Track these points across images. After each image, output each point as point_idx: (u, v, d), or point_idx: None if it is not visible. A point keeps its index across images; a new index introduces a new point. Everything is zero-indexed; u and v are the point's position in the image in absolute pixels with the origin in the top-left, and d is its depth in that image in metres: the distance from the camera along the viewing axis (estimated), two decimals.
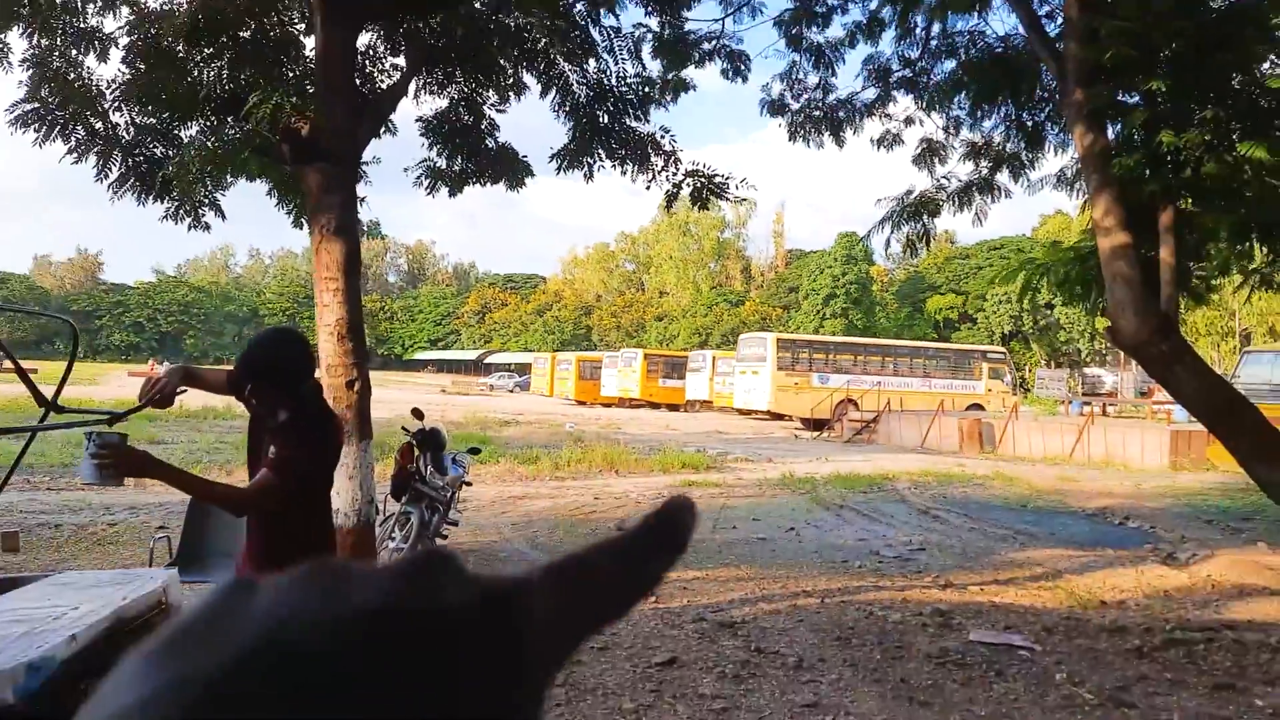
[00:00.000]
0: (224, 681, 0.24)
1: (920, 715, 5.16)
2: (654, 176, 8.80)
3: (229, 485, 3.54)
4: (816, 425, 31.31)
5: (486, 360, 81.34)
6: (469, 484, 10.86)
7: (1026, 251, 42.66)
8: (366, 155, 7.01)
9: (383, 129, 7.73)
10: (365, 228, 8.07)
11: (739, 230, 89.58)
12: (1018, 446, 23.13)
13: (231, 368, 3.41)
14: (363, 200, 7.08)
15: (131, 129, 7.63)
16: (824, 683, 5.66)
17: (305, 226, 6.81)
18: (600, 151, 8.73)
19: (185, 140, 7.75)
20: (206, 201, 8.20)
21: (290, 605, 0.26)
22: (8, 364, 3.46)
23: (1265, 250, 7.17)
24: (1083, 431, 21.83)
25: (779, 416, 33.47)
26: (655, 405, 42.26)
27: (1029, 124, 9.18)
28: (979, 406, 33.01)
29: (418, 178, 8.37)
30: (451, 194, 8.67)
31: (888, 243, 9.88)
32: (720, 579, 8.63)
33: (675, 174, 8.78)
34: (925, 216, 9.53)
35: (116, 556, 8.96)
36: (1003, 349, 41.31)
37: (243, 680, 0.24)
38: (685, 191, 8.77)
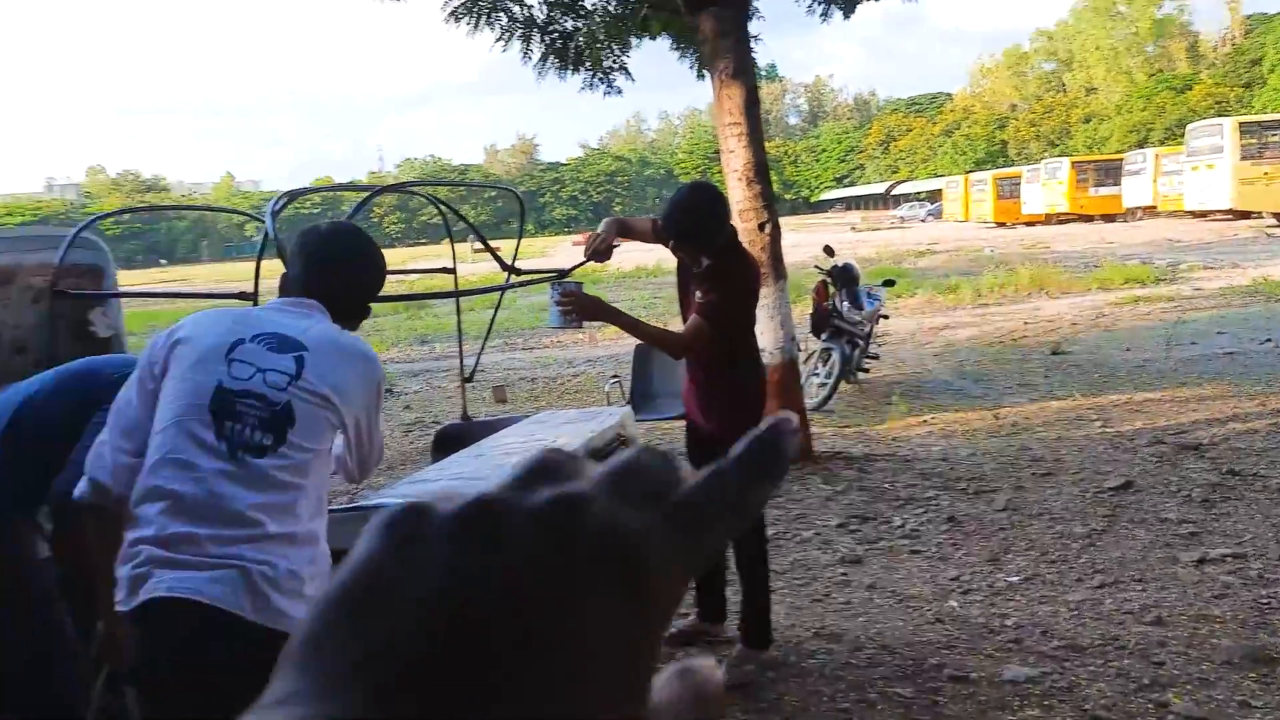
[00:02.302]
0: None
1: None
2: None
3: (666, 329, 3.83)
4: None
5: (894, 192, 78.71)
6: (886, 317, 10.76)
7: None
8: None
9: None
10: (763, 71, 8.04)
11: (1181, 3, 76.40)
12: None
13: (655, 218, 3.64)
14: (756, 38, 7.04)
15: (544, 8, 8.20)
16: None
17: (706, 77, 6.95)
18: None
19: (590, 9, 8.20)
20: (616, 67, 8.65)
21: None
22: (477, 245, 3.98)
23: None
24: None
25: (1244, 215, 28.83)
26: (1087, 218, 38.36)
27: None
28: None
29: (810, 4, 8.13)
30: (846, 15, 8.32)
31: None
32: (1178, 399, 7.81)
33: None
34: None
35: (580, 401, 10.18)
36: None
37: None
38: None
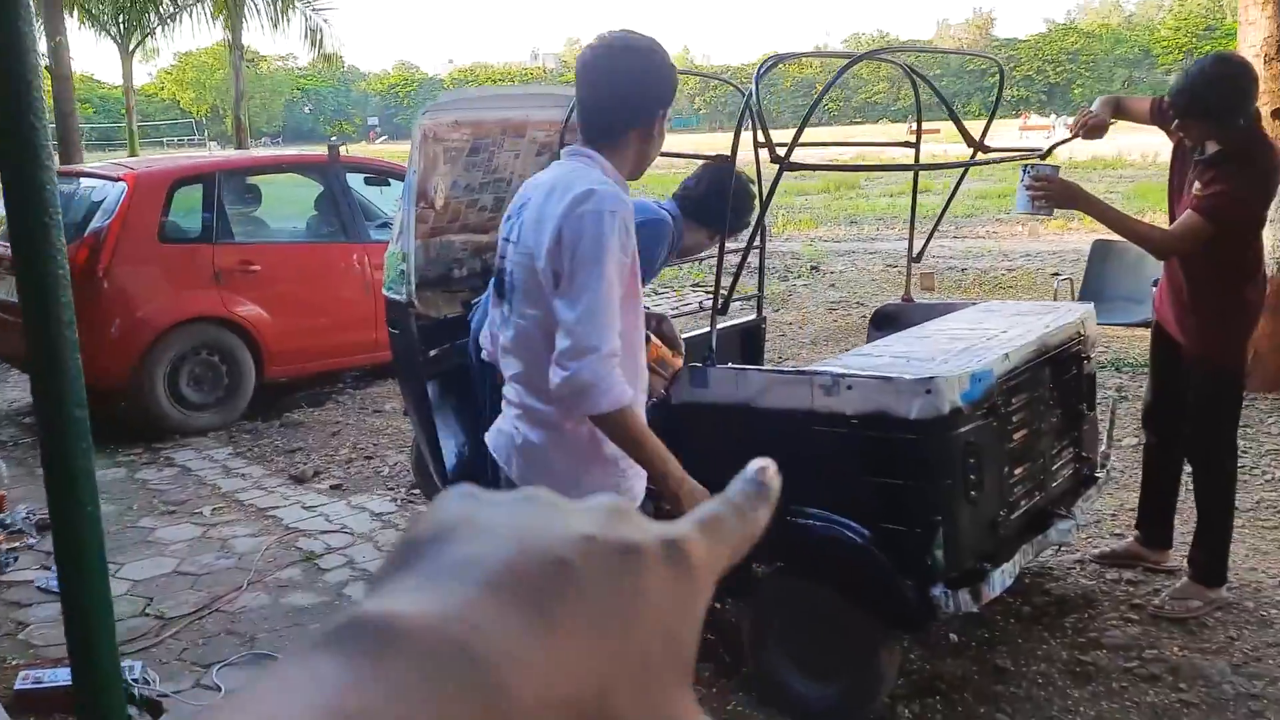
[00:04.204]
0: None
1: None
2: None
3: (1154, 226, 3.45)
4: None
5: None
6: None
7: None
8: None
9: None
10: None
11: None
12: None
13: (1158, 97, 3.23)
14: None
15: None
16: None
17: None
18: None
19: None
20: None
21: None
22: (913, 126, 3.81)
23: None
24: None
25: None
26: None
27: None
28: None
29: None
30: None
31: None
32: None
33: None
34: None
35: (1014, 299, 9.59)
36: None
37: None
38: None
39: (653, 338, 3.11)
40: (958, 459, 2.65)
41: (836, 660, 2.87)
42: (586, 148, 2.09)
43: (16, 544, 4.19)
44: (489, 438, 2.30)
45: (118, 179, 5.84)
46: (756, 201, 3.18)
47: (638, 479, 2.16)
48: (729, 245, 3.31)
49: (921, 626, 2.86)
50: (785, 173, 2.70)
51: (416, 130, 3.66)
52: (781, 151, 2.72)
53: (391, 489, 4.92)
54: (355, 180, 6.77)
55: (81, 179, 6.34)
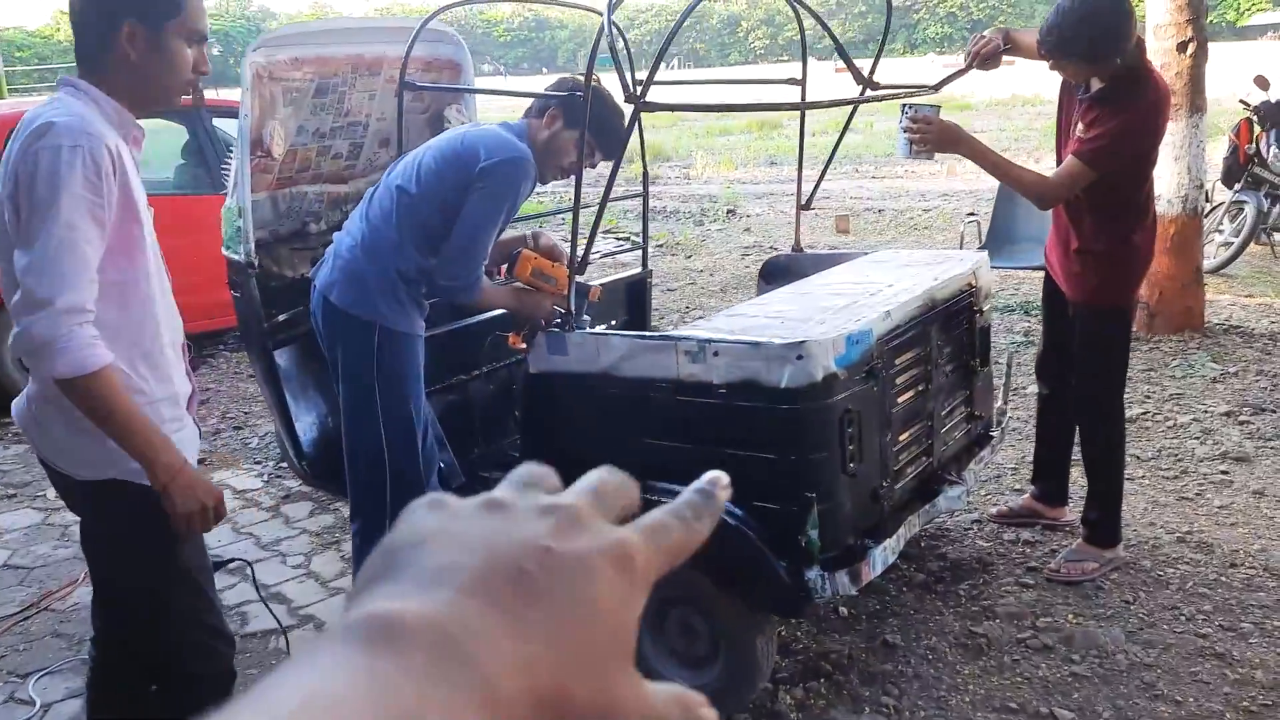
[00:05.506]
0: None
1: None
2: None
3: (1033, 172, 3.22)
4: None
5: None
6: None
7: None
8: None
9: None
10: None
11: None
12: None
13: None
14: None
15: None
16: None
17: None
18: None
19: None
20: None
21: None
22: (839, 65, 3.52)
23: None
24: None
25: None
26: None
27: None
28: None
29: None
30: None
31: None
32: None
33: None
34: None
35: (930, 240, 9.46)
36: None
37: None
38: None
39: (524, 251, 2.82)
40: (833, 430, 2.41)
41: (709, 647, 2.64)
42: (81, 78, 1.85)
43: None
44: (13, 406, 2.00)
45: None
46: (623, 121, 2.79)
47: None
48: (591, 195, 2.99)
49: (797, 612, 2.66)
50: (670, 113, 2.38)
51: (247, 69, 3.24)
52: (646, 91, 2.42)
53: (259, 463, 4.57)
54: (231, 126, 6.26)
55: None
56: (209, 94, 6.31)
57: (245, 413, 5.18)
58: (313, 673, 0.28)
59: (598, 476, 0.38)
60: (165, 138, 6.61)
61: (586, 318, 2.73)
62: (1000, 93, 23.81)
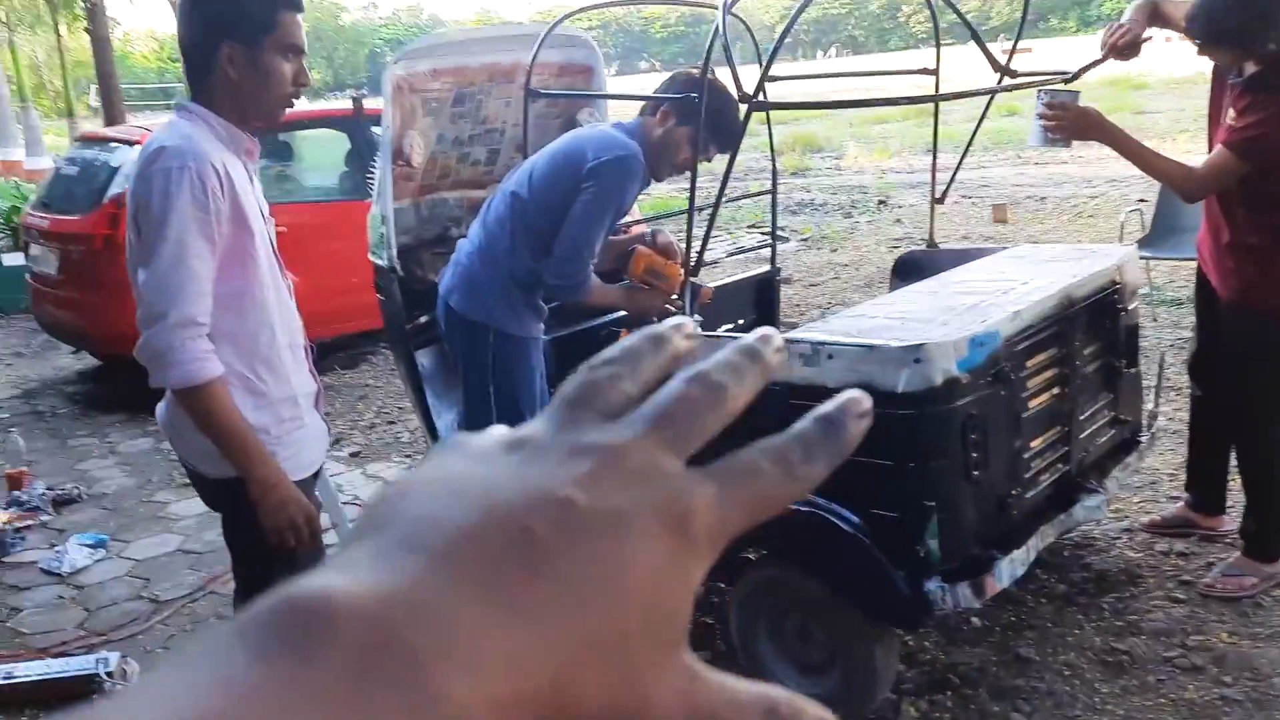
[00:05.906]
0: None
1: None
2: None
3: (1178, 163, 3.00)
4: None
5: None
6: None
7: None
8: None
9: None
10: None
11: None
12: None
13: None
14: None
15: None
16: None
17: None
18: None
19: None
20: None
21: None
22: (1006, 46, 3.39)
23: None
24: None
25: None
26: None
27: None
28: None
29: None
30: None
31: None
32: None
33: None
34: None
35: (1095, 229, 8.93)
36: None
37: None
38: None
39: (639, 249, 2.86)
40: (954, 436, 2.33)
41: (828, 655, 2.61)
42: (192, 100, 1.96)
43: (30, 521, 4.18)
44: (157, 410, 2.13)
45: (136, 142, 5.76)
46: (738, 114, 2.77)
47: (294, 447, 2.03)
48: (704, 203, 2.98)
49: (916, 624, 2.58)
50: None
51: (387, 82, 3.41)
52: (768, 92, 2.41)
53: (409, 456, 4.79)
54: None
55: (105, 144, 6.29)
56: (368, 104, 6.62)
57: (399, 408, 5.43)
58: (177, 686, 0.21)
59: (678, 389, 0.29)
60: (329, 146, 7.00)
61: (698, 318, 2.74)
62: (1182, 69, 22.19)
